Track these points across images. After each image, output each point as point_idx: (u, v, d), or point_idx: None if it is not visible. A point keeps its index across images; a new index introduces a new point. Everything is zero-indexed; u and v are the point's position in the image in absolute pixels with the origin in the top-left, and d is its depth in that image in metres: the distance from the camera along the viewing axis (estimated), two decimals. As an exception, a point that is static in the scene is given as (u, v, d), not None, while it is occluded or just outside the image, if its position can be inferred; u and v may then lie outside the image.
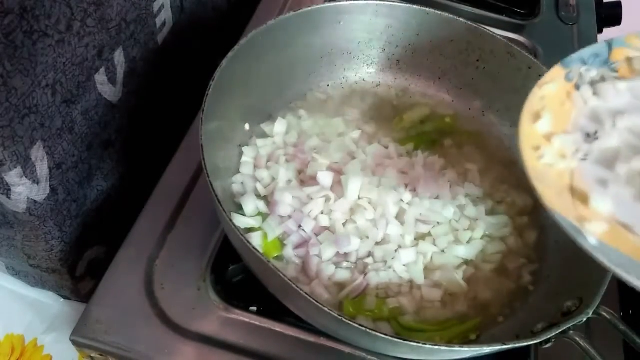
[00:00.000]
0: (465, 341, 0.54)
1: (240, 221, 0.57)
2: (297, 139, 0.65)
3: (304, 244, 0.57)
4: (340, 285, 0.55)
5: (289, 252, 0.56)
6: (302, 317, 0.52)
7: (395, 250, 0.57)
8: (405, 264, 0.56)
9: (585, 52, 0.49)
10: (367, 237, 0.57)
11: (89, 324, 0.53)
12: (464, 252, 0.59)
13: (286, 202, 0.57)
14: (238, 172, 0.61)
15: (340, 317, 0.43)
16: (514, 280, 0.59)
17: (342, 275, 0.55)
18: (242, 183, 0.61)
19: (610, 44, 0.49)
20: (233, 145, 0.62)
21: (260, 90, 0.64)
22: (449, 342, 0.52)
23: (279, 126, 0.65)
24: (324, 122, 0.67)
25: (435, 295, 0.56)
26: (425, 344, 0.44)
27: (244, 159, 0.62)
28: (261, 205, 0.58)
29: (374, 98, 0.71)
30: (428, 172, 0.63)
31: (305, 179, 0.61)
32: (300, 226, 0.57)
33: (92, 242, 0.63)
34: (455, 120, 0.70)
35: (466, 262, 0.59)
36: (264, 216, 0.58)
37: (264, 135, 0.65)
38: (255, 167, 0.62)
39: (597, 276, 0.49)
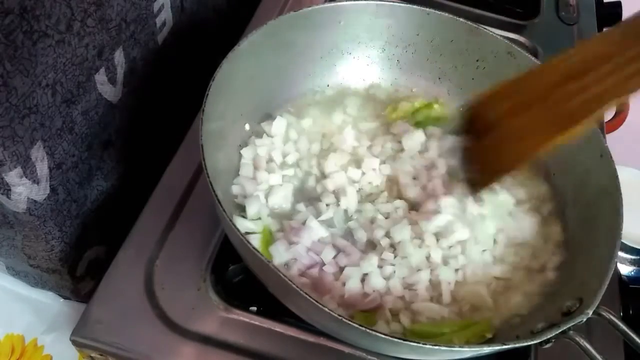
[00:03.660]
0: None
1: (240, 225, 0.56)
2: (296, 138, 0.65)
3: (314, 266, 0.55)
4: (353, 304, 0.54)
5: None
6: (302, 317, 0.52)
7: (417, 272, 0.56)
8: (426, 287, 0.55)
9: None
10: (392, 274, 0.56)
11: (89, 324, 0.53)
12: (492, 269, 0.57)
13: (315, 227, 0.56)
14: (238, 172, 0.61)
15: (340, 317, 0.43)
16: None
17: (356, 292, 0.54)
18: (242, 184, 0.60)
19: None
20: (233, 145, 0.62)
21: (260, 90, 0.64)
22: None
23: (279, 125, 0.64)
24: (323, 121, 0.67)
25: (453, 312, 0.55)
26: (425, 344, 0.44)
27: (243, 159, 0.62)
28: (264, 209, 0.58)
29: (374, 98, 0.71)
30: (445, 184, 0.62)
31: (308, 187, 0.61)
32: (309, 249, 0.56)
33: (92, 242, 0.63)
34: (444, 107, 0.70)
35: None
36: (265, 220, 0.58)
37: (264, 135, 0.65)
38: (255, 167, 0.62)
39: (597, 276, 0.49)
